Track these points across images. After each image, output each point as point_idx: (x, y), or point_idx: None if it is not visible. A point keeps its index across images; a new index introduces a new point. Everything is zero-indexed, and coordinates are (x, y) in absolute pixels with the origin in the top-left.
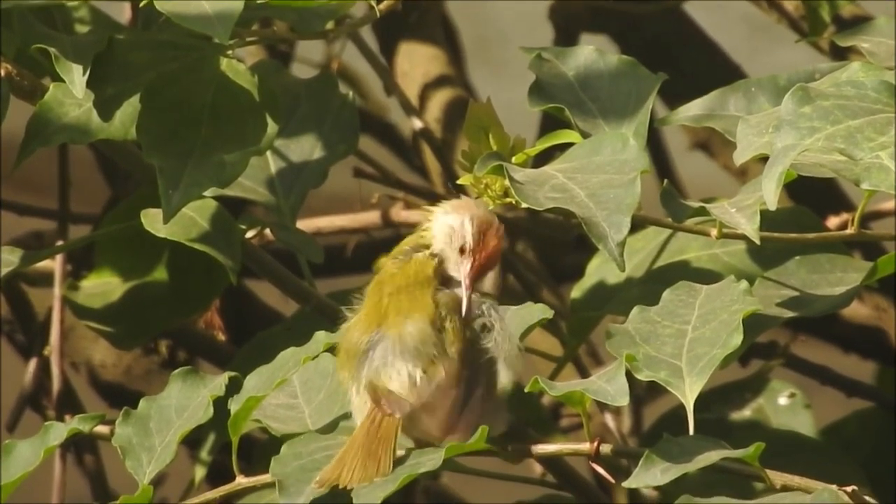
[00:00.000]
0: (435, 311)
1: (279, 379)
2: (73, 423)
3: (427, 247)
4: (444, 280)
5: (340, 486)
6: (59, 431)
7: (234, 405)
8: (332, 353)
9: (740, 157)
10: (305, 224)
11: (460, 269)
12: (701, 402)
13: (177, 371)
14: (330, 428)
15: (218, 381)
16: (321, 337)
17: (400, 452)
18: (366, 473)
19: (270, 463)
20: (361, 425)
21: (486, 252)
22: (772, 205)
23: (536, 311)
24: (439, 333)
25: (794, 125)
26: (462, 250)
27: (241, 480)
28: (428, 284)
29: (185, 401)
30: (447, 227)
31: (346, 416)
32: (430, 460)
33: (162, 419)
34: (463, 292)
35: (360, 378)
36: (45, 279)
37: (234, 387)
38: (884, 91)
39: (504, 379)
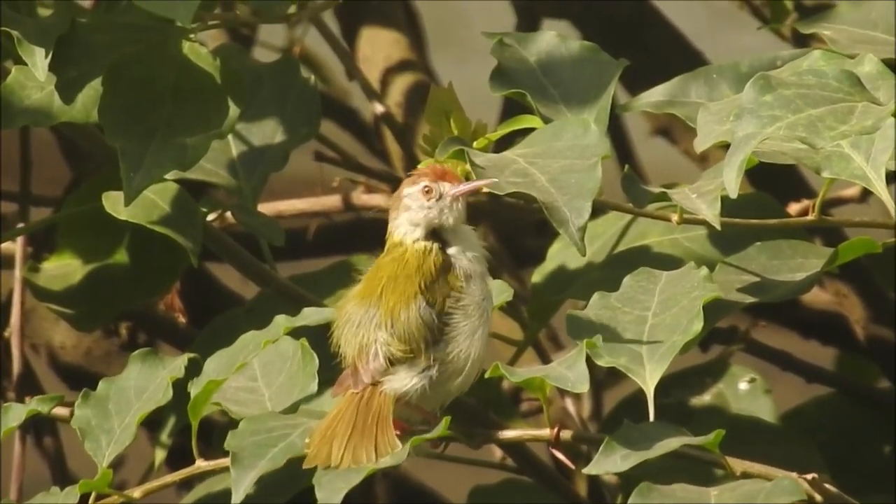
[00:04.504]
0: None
1: (239, 362)
2: (32, 405)
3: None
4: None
5: (332, 465)
6: (17, 412)
7: (194, 388)
8: (293, 337)
9: (701, 144)
10: (267, 207)
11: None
12: (661, 386)
13: (136, 352)
14: (290, 411)
15: (177, 363)
16: (281, 321)
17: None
18: (362, 454)
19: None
20: (348, 400)
21: (444, 169)
22: (732, 193)
23: (498, 290)
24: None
25: (756, 114)
26: (427, 190)
27: (201, 464)
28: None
29: (144, 382)
30: (408, 205)
31: (307, 399)
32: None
33: (121, 400)
34: (473, 184)
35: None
36: (6, 261)
37: (194, 369)
38: (845, 80)
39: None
